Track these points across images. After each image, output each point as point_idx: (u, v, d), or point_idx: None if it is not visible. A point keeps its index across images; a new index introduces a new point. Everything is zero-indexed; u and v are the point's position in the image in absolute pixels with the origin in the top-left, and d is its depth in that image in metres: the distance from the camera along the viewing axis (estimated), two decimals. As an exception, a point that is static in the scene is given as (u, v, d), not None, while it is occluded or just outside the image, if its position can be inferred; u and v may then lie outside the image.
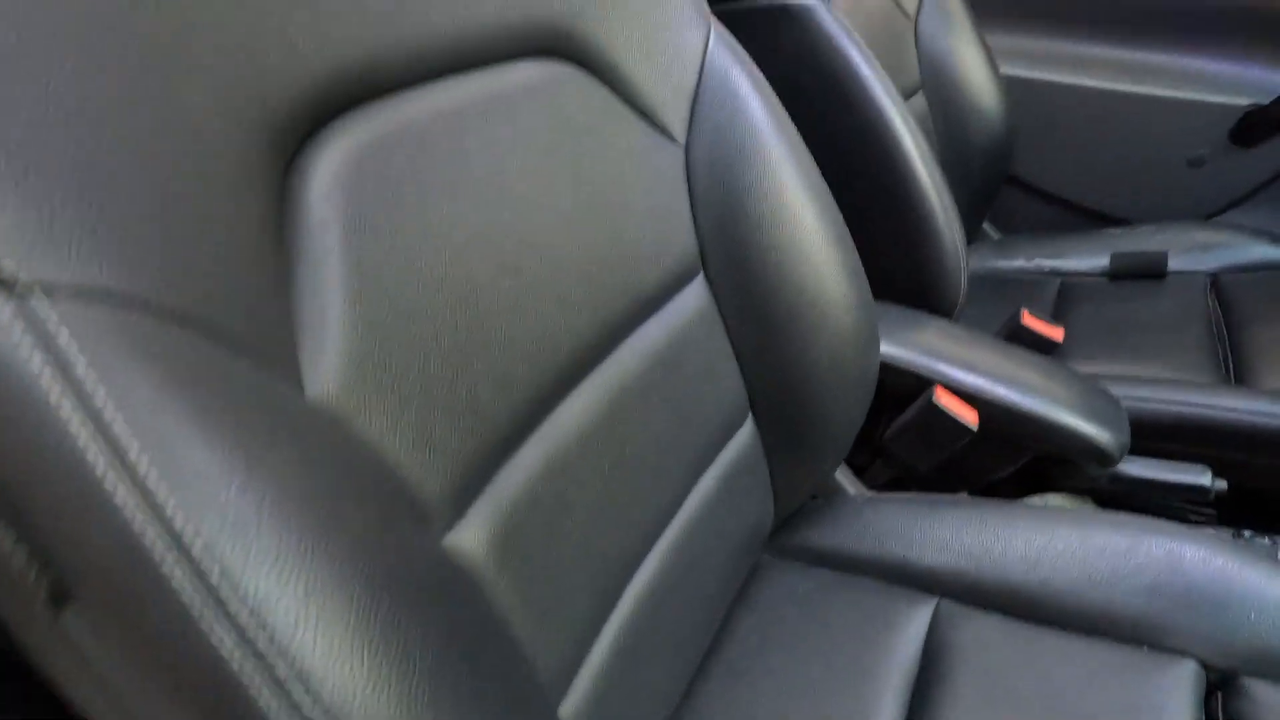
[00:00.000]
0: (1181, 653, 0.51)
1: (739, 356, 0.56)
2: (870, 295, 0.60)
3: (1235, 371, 0.86)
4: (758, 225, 0.54)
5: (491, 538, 0.36)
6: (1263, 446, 0.76)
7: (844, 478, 0.72)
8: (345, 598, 0.24)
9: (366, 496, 0.29)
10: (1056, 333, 0.91)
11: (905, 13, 1.06)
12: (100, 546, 0.22)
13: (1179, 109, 1.17)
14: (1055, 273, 1.14)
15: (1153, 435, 0.79)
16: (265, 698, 0.22)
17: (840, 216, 0.59)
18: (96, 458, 0.22)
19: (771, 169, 0.55)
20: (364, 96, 0.35)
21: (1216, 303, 0.99)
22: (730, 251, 0.54)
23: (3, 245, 0.22)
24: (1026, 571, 0.56)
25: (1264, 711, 0.49)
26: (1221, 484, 0.73)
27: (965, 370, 0.71)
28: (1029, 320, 0.91)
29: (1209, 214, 1.19)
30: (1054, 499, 0.77)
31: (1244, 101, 1.14)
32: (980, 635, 0.54)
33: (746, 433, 0.57)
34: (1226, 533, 0.68)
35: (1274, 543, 0.63)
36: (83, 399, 0.22)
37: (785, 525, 0.65)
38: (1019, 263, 1.17)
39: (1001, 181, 1.22)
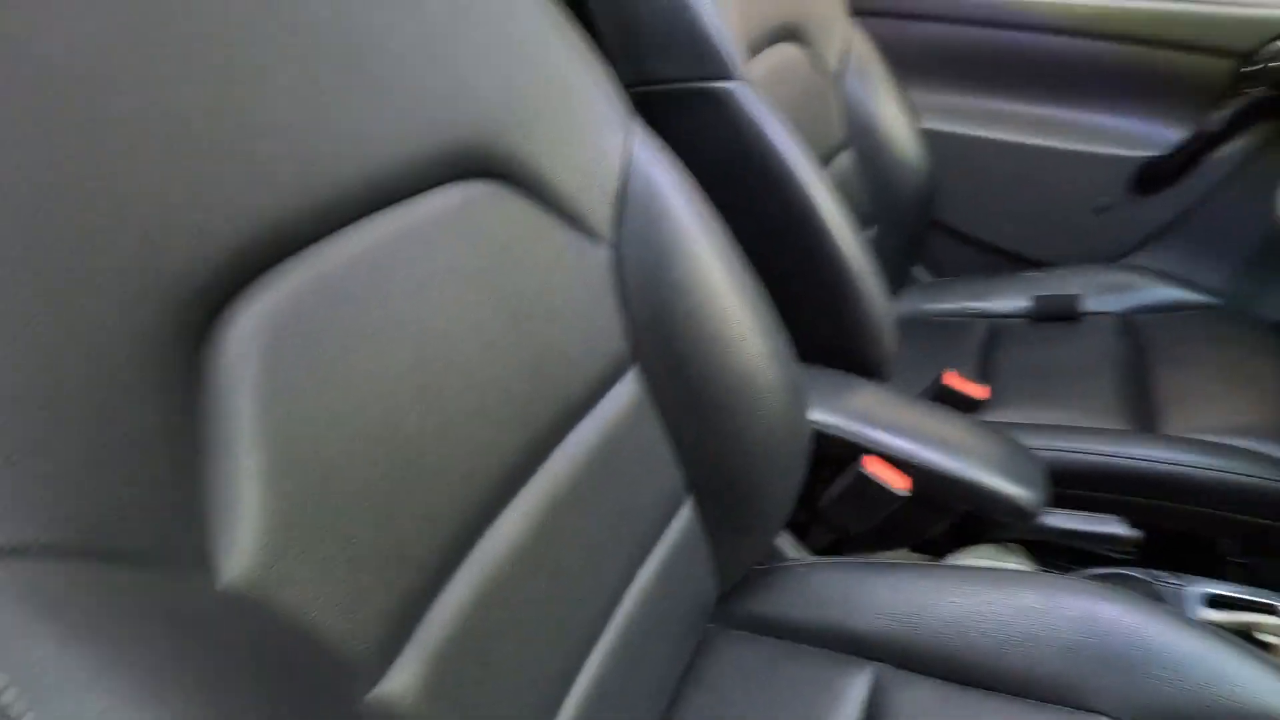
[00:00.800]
0: (1097, 711, 0.54)
1: (677, 442, 0.58)
2: (799, 376, 0.62)
3: (1148, 415, 0.92)
4: (688, 318, 0.56)
5: (423, 682, 0.35)
6: (1172, 492, 0.81)
7: (785, 543, 0.75)
8: None
9: (282, 676, 0.29)
10: (980, 391, 0.95)
11: (826, 73, 1.11)
12: None
13: (1083, 161, 1.25)
14: (982, 314, 1.20)
15: (1073, 483, 0.83)
16: None
17: (765, 303, 0.61)
18: None
19: (697, 265, 0.57)
20: (276, 258, 0.34)
21: (1128, 344, 1.06)
22: (664, 343, 0.56)
23: None
24: (955, 635, 0.59)
25: None
26: (1137, 533, 0.78)
27: (893, 434, 0.75)
28: (951, 380, 0.95)
29: (1117, 256, 1.27)
30: (986, 550, 0.81)
31: (1142, 154, 1.21)
32: (917, 700, 0.57)
33: (685, 514, 0.59)
34: (1142, 573, 0.72)
35: (1179, 583, 0.67)
36: None
37: (730, 593, 0.67)
38: (947, 305, 1.23)
39: (927, 227, 1.28)
